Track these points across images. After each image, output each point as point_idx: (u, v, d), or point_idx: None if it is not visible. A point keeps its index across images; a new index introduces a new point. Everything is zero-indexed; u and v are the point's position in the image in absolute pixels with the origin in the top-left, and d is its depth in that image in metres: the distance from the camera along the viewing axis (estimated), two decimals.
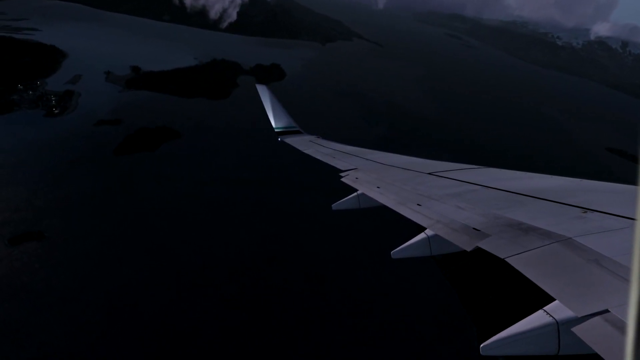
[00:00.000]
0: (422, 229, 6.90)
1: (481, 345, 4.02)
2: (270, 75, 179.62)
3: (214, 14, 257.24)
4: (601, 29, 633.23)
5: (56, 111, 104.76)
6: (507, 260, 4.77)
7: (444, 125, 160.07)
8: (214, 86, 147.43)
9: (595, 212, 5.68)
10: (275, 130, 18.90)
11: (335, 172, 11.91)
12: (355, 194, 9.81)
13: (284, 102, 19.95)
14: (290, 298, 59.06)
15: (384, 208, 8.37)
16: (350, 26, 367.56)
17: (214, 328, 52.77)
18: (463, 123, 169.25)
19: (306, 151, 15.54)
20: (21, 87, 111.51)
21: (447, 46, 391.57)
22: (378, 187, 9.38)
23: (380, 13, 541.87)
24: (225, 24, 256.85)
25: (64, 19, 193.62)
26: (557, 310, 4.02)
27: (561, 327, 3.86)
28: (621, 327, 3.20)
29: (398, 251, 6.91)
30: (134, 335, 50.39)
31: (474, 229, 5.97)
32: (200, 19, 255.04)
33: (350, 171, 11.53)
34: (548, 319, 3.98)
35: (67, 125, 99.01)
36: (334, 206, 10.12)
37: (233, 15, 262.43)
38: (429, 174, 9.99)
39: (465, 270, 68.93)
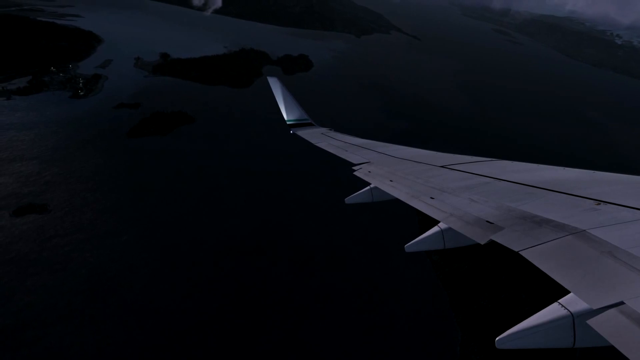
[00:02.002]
0: (434, 222, 6.87)
1: (496, 339, 3.96)
2: (297, 65, 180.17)
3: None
4: None
5: (81, 93, 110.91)
6: (521, 253, 4.70)
7: (470, 121, 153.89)
8: (238, 75, 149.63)
9: (608, 204, 5.59)
10: (287, 122, 19.05)
11: (346, 165, 11.94)
12: (368, 187, 9.78)
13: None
14: (274, 287, 59.22)
15: (396, 201, 8.38)
16: (391, 19, 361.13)
17: (192, 307, 54.10)
18: (493, 120, 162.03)
19: (318, 144, 15.53)
20: (54, 69, 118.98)
21: (491, 42, 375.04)
22: (391, 181, 9.34)
23: (426, 6, 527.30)
24: (255, 13, 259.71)
25: (108, 5, 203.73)
26: (572, 302, 4.01)
27: (576, 320, 3.84)
28: (637, 319, 3.16)
29: (412, 245, 6.91)
30: (111, 306, 52.64)
31: (487, 221, 5.94)
32: (236, 8, 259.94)
33: (362, 164, 11.52)
34: (563, 312, 3.96)
35: (88, 106, 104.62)
36: (347, 200, 10.02)
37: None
38: (441, 166, 9.98)
39: (459, 273, 66.61)
